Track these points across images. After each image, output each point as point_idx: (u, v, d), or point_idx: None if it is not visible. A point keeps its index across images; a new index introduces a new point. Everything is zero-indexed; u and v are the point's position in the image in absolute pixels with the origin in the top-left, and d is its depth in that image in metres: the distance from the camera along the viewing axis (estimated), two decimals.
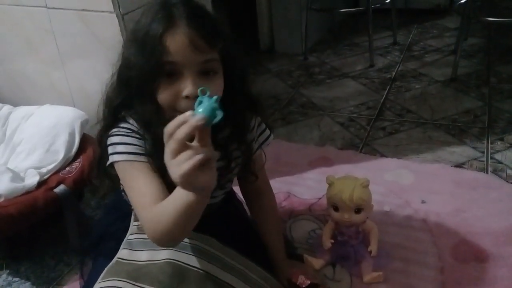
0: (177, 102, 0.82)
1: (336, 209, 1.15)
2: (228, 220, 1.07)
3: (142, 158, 0.85)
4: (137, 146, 0.85)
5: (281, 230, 1.18)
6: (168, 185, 0.79)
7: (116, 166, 0.87)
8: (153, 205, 0.79)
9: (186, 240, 0.92)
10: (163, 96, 0.82)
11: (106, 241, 1.02)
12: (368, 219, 1.18)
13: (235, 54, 0.88)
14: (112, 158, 0.86)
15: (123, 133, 0.87)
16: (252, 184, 1.07)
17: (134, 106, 0.87)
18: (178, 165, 0.62)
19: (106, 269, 0.93)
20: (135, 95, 0.86)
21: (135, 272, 0.90)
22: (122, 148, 0.85)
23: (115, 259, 0.94)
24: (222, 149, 0.90)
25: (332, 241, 1.17)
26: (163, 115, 0.84)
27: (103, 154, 0.89)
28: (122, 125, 0.88)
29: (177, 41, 0.79)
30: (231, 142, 0.93)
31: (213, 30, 0.82)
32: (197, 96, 0.65)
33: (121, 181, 0.91)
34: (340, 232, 1.18)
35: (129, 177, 0.86)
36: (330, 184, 1.16)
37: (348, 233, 1.17)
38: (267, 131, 1.05)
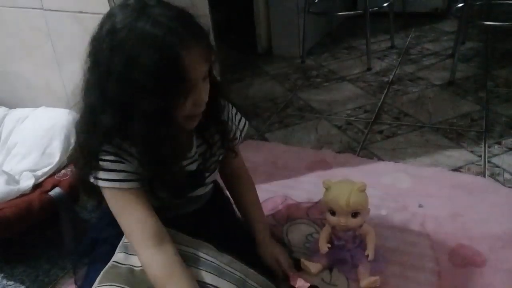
0: (191, 112, 0.84)
1: (332, 213, 1.14)
2: (220, 217, 1.08)
3: (131, 184, 0.85)
4: (126, 173, 0.84)
5: (261, 207, 1.17)
6: (156, 199, 0.86)
7: (103, 191, 0.86)
8: (146, 241, 0.85)
9: (182, 248, 0.91)
10: (181, 112, 0.82)
11: (99, 246, 1.01)
12: (365, 223, 1.17)
13: None
14: (98, 183, 0.85)
15: (111, 159, 0.84)
16: (232, 165, 1.09)
17: (133, 129, 0.80)
18: None
19: (102, 272, 0.91)
20: (139, 119, 0.79)
21: (131, 278, 0.90)
22: (109, 175, 0.84)
23: (111, 262, 0.93)
24: (200, 134, 0.94)
25: (329, 245, 1.17)
26: (175, 129, 0.84)
27: (85, 178, 0.87)
28: (106, 148, 0.83)
29: (192, 58, 0.78)
30: (209, 127, 0.95)
31: (207, 34, 0.82)
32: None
33: (109, 207, 0.89)
34: (337, 236, 1.18)
35: (119, 208, 0.87)
36: (327, 189, 1.15)
37: (345, 237, 1.17)
38: (243, 119, 1.06)
